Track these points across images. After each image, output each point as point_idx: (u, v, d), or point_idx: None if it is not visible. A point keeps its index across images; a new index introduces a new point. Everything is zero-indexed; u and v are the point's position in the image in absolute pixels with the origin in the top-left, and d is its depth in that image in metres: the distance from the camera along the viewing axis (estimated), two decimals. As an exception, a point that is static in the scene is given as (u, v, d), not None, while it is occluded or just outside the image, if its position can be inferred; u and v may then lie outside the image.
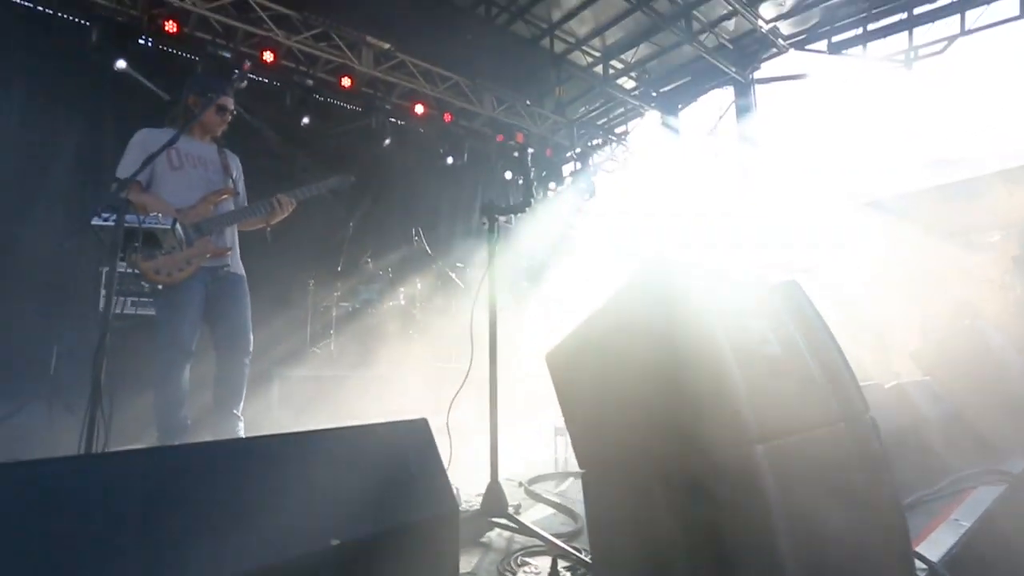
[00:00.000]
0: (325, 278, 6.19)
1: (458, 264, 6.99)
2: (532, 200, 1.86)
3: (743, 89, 8.19)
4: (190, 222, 2.66)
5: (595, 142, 9.47)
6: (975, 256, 4.37)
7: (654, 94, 9.23)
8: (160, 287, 2.62)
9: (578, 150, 8.62)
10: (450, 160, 7.05)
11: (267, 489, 0.90)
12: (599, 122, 9.62)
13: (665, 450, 1.10)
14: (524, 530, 1.75)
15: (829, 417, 1.26)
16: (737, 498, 0.98)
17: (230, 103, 2.90)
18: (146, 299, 4.30)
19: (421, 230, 6.73)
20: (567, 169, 9.38)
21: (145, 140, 2.69)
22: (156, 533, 0.74)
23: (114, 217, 1.97)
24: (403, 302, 6.18)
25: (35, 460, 0.70)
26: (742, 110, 8.18)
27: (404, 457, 1.13)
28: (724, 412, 1.02)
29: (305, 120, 5.72)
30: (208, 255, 2.66)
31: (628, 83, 9.05)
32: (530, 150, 1.86)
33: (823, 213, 4.90)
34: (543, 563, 1.51)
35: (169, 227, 2.09)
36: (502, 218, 2.02)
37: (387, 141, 6.39)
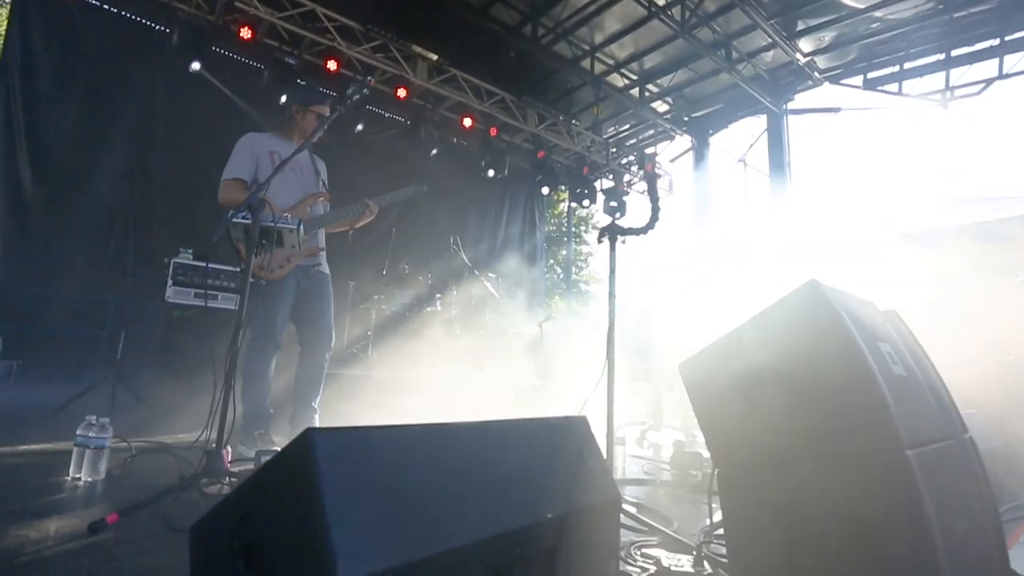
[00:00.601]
0: (365, 281, 6.38)
1: (490, 274, 7.17)
2: (657, 222, 2.02)
3: (776, 118, 8.38)
4: None
5: (627, 160, 9.66)
6: (1011, 292, 4.48)
7: (685, 119, 9.43)
8: (263, 282, 2.78)
9: (611, 173, 8.79)
10: (491, 173, 7.25)
11: (499, 465, 1.05)
12: (628, 143, 9.85)
13: (813, 455, 1.24)
14: (642, 523, 1.86)
15: (941, 434, 1.39)
16: (892, 500, 1.11)
17: (327, 112, 3.09)
18: (210, 292, 4.48)
19: (459, 240, 6.92)
20: (597, 186, 9.58)
21: (252, 143, 2.87)
22: (462, 492, 0.89)
23: (244, 215, 2.14)
24: (439, 308, 6.34)
25: (396, 426, 0.85)
26: (774, 139, 8.35)
27: (578, 447, 1.27)
28: (876, 422, 1.16)
29: (359, 127, 5.93)
30: (305, 254, 2.82)
31: (661, 106, 9.27)
32: (659, 173, 1.99)
33: (864, 243, 5.04)
34: (657, 553, 1.64)
35: (295, 228, 2.25)
36: (622, 238, 2.16)
37: (434, 151, 6.58)
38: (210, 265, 4.50)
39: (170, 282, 4.39)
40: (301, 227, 2.31)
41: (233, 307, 4.55)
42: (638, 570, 1.48)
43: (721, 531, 1.87)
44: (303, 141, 3.08)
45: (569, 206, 11.71)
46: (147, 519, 1.75)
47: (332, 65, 5.42)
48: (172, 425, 3.44)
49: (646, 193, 2.00)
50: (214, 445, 2.05)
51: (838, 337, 1.24)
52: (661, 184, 9.52)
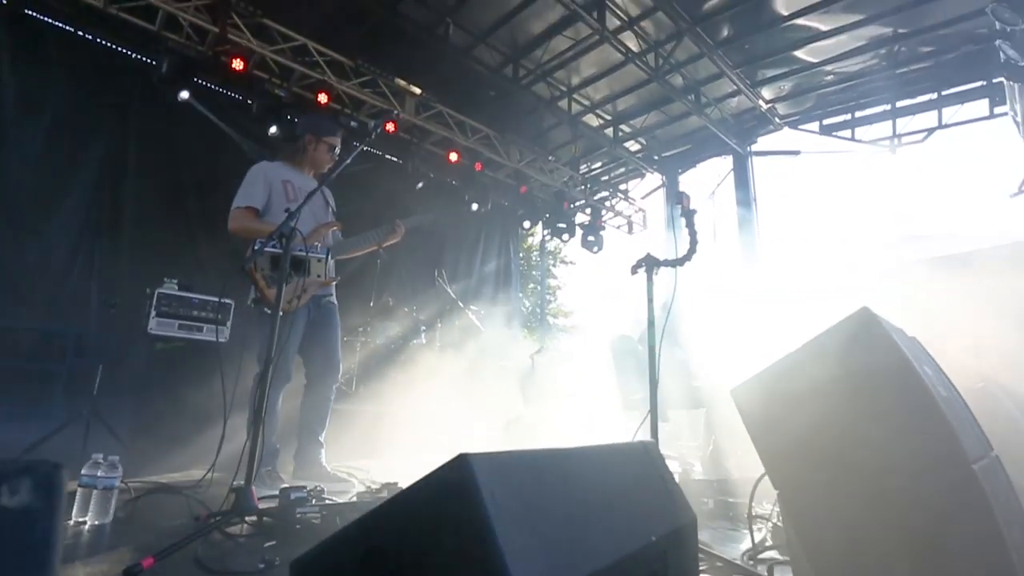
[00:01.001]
0: (350, 313, 6.26)
1: (472, 307, 7.18)
2: (694, 255, 2.11)
3: (741, 159, 8.87)
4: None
5: (601, 195, 9.95)
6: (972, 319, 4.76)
7: (656, 157, 9.87)
8: (280, 313, 2.71)
9: (589, 208, 9.05)
10: (475, 207, 7.34)
11: (606, 489, 1.07)
12: (603, 179, 10.18)
13: (877, 472, 1.31)
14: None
15: (984, 451, 1.49)
16: (962, 513, 1.18)
17: (338, 143, 3.12)
18: (195, 323, 4.31)
19: (444, 272, 6.94)
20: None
21: (266, 172, 2.86)
22: (588, 514, 0.90)
23: (274, 244, 2.11)
24: (424, 340, 6.29)
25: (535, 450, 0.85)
26: (740, 178, 8.82)
27: (657, 471, 1.30)
28: (941, 439, 1.24)
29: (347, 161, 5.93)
30: (320, 284, 2.79)
31: (633, 145, 9.67)
32: (694, 209, 2.08)
33: (837, 277, 5.33)
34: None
35: (323, 257, 2.23)
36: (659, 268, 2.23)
37: (420, 184, 6.64)
38: (196, 296, 4.35)
39: (153, 313, 4.19)
40: (329, 256, 2.30)
41: (221, 340, 4.39)
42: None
43: (765, 554, 1.91)
44: (315, 171, 3.12)
45: (543, 240, 11.89)
46: (179, 562, 1.65)
47: (323, 98, 5.45)
48: (162, 464, 3.25)
49: (685, 228, 2.09)
50: (240, 482, 1.96)
51: (894, 360, 1.33)
52: (635, 220, 9.83)
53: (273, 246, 2.10)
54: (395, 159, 7.09)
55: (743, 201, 8.77)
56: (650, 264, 2.20)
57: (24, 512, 0.49)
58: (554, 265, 23.00)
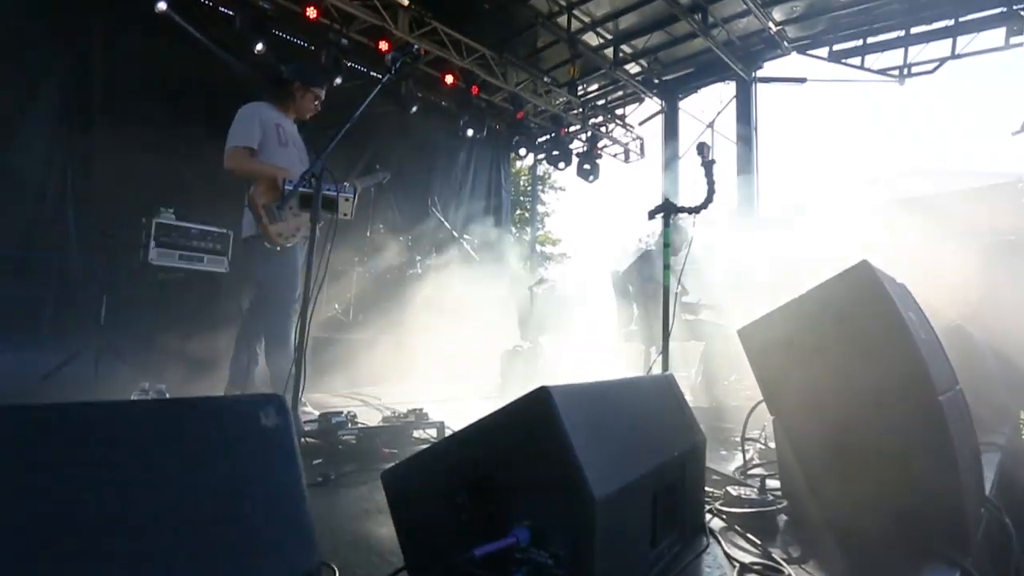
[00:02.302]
0: (344, 244, 6.37)
1: (466, 236, 7.33)
2: (711, 203, 2.28)
3: (745, 86, 8.82)
4: None
5: (596, 120, 9.87)
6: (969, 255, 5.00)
7: (656, 81, 9.73)
8: (278, 248, 2.88)
9: (588, 132, 9.01)
10: (469, 132, 7.30)
11: (639, 413, 1.33)
12: (599, 103, 10.04)
13: (859, 404, 1.60)
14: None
15: (949, 384, 1.79)
16: (928, 435, 1.48)
17: (323, 95, 3.23)
18: (195, 253, 4.43)
19: (437, 201, 7.02)
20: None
21: (259, 112, 2.96)
22: (629, 434, 1.17)
23: (305, 184, 2.24)
24: (420, 271, 6.49)
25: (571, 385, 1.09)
26: (742, 106, 8.81)
27: (675, 399, 1.57)
28: (916, 376, 1.52)
29: (338, 80, 5.83)
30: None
31: (633, 68, 9.50)
32: (713, 159, 2.23)
33: (840, 208, 5.58)
34: (710, 489, 1.99)
35: (351, 196, 2.37)
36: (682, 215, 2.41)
37: (415, 108, 6.58)
38: (195, 226, 4.44)
39: (152, 243, 4.29)
40: (356, 195, 2.43)
41: (222, 270, 4.53)
42: (711, 500, 1.81)
43: (754, 470, 2.27)
44: (298, 118, 3.20)
45: (534, 165, 11.85)
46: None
47: (312, 12, 5.27)
48: (187, 390, 3.49)
49: (704, 177, 2.26)
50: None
51: (886, 311, 1.59)
52: (632, 148, 9.84)
53: (304, 186, 2.22)
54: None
55: (744, 129, 8.81)
56: (668, 210, 2.38)
57: (276, 429, 0.70)
58: (543, 191, 22.96)
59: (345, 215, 2.59)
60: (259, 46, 5.18)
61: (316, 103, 3.19)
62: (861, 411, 1.59)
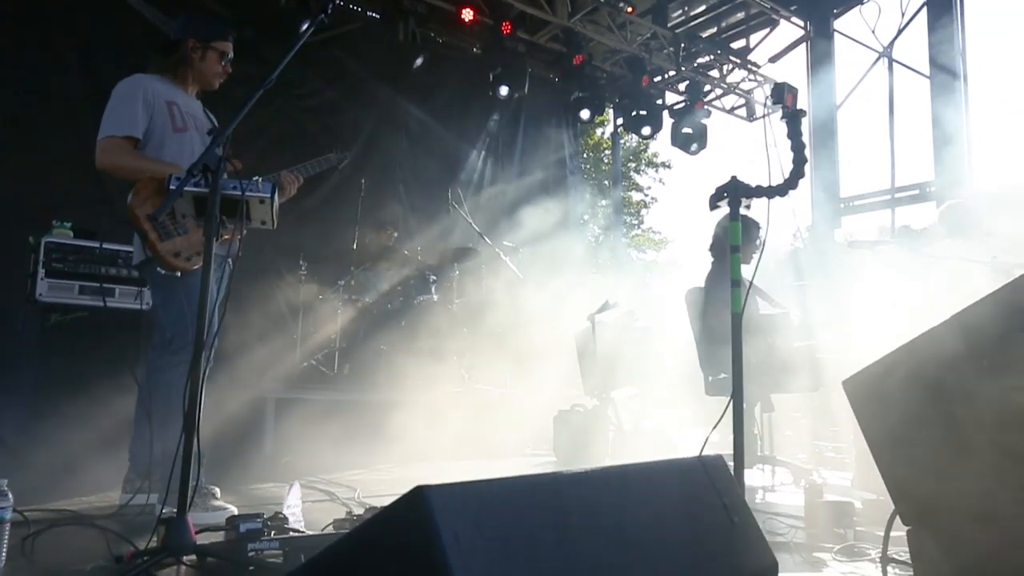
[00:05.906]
0: (324, 261, 6.50)
1: (506, 243, 7.30)
2: (800, 178, 2.09)
3: (937, -7, 8.37)
4: None
5: (701, 61, 9.64)
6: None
7: (796, -7, 9.47)
8: (178, 273, 2.93)
9: (688, 80, 8.86)
10: (504, 91, 7.34)
11: (628, 522, 1.21)
12: (705, 34, 9.80)
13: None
14: None
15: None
16: None
17: (231, 51, 3.27)
18: (107, 284, 4.61)
19: (460, 193, 7.04)
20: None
21: (144, 88, 3.03)
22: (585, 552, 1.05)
23: (196, 181, 2.26)
24: (436, 297, 6.48)
25: None
26: (937, 19, 8.34)
27: (719, 497, 1.42)
28: None
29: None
30: (226, 236, 2.94)
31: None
32: (802, 109, 2.04)
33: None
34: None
35: (268, 196, 2.37)
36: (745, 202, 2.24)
37: (419, 61, 6.68)
38: (102, 246, 4.62)
39: (41, 272, 4.48)
40: (275, 195, 2.44)
41: (140, 306, 4.69)
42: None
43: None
44: (201, 88, 3.27)
45: (615, 135, 11.76)
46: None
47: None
48: (68, 486, 3.60)
49: (787, 136, 2.09)
50: (169, 511, 2.21)
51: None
52: (758, 99, 9.61)
53: (196, 183, 2.23)
54: (378, 16, 7.07)
55: (942, 58, 8.30)
56: (735, 193, 2.19)
57: None
58: (638, 171, 22.73)
59: (264, 223, 2.59)
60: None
61: (223, 63, 3.24)
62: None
